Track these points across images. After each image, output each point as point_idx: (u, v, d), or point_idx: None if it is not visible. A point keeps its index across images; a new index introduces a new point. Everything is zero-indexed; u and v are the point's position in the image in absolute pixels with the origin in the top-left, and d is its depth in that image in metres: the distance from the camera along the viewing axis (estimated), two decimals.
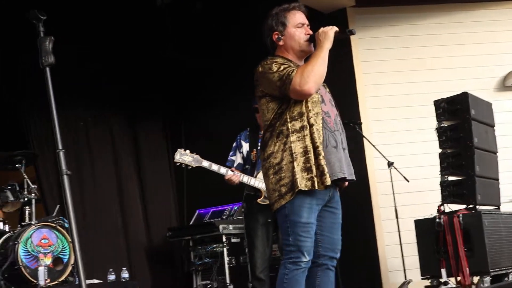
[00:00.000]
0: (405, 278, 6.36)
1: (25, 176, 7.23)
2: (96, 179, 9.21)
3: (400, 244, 6.89)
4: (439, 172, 6.73)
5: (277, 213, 3.56)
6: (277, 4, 3.87)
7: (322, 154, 3.45)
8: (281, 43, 3.75)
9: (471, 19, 8.79)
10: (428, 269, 6.67)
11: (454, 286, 6.32)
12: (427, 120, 7.12)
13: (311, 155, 3.45)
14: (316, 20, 8.50)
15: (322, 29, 3.61)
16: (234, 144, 5.39)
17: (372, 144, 7.23)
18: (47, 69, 3.09)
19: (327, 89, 3.92)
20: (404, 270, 6.81)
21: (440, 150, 6.76)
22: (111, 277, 7.22)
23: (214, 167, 4.85)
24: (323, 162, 3.43)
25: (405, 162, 7.17)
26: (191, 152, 4.64)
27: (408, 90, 8.39)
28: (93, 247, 8.57)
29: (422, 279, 6.69)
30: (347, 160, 3.71)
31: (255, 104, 5.39)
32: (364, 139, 7.96)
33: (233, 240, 8.23)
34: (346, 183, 3.85)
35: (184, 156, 4.65)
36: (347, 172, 3.66)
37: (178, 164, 4.71)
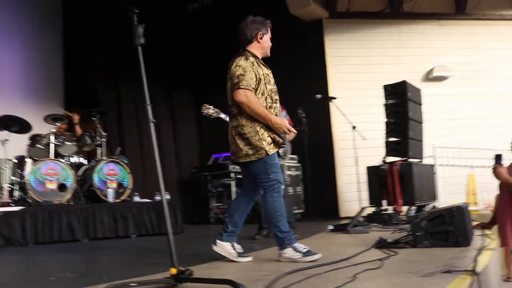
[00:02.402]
0: (359, 206, 6.52)
1: (98, 126, 7.29)
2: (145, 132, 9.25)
3: (358, 183, 7.06)
4: (384, 135, 6.91)
5: (251, 163, 3.56)
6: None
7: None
8: (261, 41, 3.70)
9: (410, 31, 8.91)
10: (374, 200, 6.88)
11: (392, 212, 6.53)
12: (377, 99, 7.23)
13: (267, 128, 3.55)
14: (300, 25, 8.67)
15: (283, 124, 3.55)
16: None
17: (342, 112, 7.27)
18: (139, 48, 3.04)
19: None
20: (360, 200, 6.97)
21: (385, 120, 6.93)
22: (157, 197, 7.32)
23: (228, 118, 4.93)
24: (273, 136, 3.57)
25: (359, 128, 7.27)
26: (214, 106, 4.70)
27: (365, 78, 8.50)
28: (144, 177, 8.71)
29: (370, 206, 6.90)
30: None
31: None
32: (331, 110, 8.12)
33: (238, 176, 8.39)
34: None
35: (208, 109, 4.70)
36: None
37: (204, 114, 4.71)
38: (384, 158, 6.85)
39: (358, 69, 8.60)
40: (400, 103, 6.84)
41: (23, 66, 8.86)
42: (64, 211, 6.01)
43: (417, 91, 7.26)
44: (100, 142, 7.26)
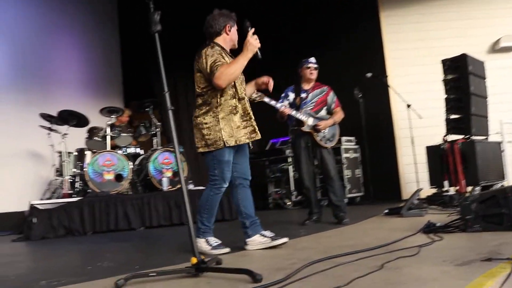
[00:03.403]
0: (418, 187, 6.24)
1: (152, 117, 7.41)
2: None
3: (415, 164, 6.76)
4: (444, 112, 6.53)
5: (206, 154, 3.57)
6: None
7: (235, 121, 3.54)
8: (229, 33, 3.69)
9: (471, 1, 8.34)
10: (435, 181, 6.58)
11: (454, 193, 6.20)
12: (435, 75, 6.86)
13: (230, 121, 3.52)
14: (353, 3, 8.36)
15: (251, 41, 3.48)
16: (283, 94, 5.35)
17: (395, 90, 7.05)
18: (156, 35, 3.03)
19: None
20: (417, 182, 6.69)
21: (445, 96, 6.54)
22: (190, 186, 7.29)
23: (272, 102, 4.81)
24: (241, 127, 3.55)
25: (419, 105, 6.97)
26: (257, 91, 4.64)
27: (422, 53, 8.10)
28: (199, 165, 8.78)
29: (431, 188, 6.60)
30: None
31: (307, 64, 5.35)
32: (389, 88, 7.79)
33: None
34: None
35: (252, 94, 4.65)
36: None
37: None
38: (445, 136, 6.49)
39: (417, 44, 8.19)
40: (461, 77, 6.44)
41: (81, 62, 9.18)
42: (120, 200, 6.17)
43: (480, 64, 6.80)
44: (155, 132, 7.38)
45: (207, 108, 3.56)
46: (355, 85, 7.86)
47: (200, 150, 3.59)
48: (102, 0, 9.70)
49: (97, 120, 7.40)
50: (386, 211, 5.55)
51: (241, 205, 3.66)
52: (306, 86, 5.35)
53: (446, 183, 6.40)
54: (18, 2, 8.46)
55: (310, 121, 5.13)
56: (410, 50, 8.20)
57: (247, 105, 3.66)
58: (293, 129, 5.35)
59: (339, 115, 5.34)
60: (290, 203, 8.32)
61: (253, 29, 3.54)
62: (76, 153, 7.16)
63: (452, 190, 6.32)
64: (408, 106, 6.80)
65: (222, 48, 3.64)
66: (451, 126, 6.51)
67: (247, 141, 3.57)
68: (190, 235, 2.72)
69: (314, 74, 5.32)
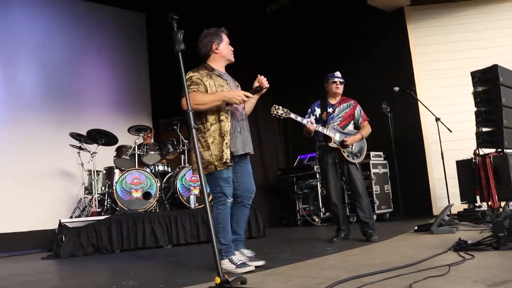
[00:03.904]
0: (449, 203, 6.11)
1: (180, 134, 7.47)
2: None
3: (445, 178, 6.63)
4: (475, 125, 6.39)
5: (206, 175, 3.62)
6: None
7: (226, 141, 3.56)
8: (217, 51, 3.73)
9: (501, 9, 8.16)
10: (466, 196, 6.41)
11: (486, 209, 6.04)
12: (465, 87, 6.73)
13: (219, 144, 3.56)
14: (380, 16, 8.32)
15: (235, 96, 3.55)
16: (309, 110, 5.31)
17: (423, 104, 6.95)
18: (179, 54, 3.08)
19: (239, 87, 3.94)
20: (448, 197, 6.55)
21: (475, 109, 6.40)
22: None
23: (298, 118, 4.79)
24: (225, 147, 3.54)
25: (449, 119, 6.85)
26: (283, 107, 4.61)
27: (450, 65, 7.97)
28: None
29: (462, 203, 6.44)
30: (248, 139, 3.81)
31: (333, 78, 5.31)
32: (418, 101, 7.69)
33: None
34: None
35: (277, 110, 4.62)
36: (248, 148, 3.76)
37: (274, 115, 4.67)
38: (476, 150, 6.34)
39: (445, 56, 8.06)
40: (491, 89, 6.29)
41: (111, 81, 9.36)
42: (148, 218, 6.21)
43: (511, 75, 6.64)
44: (182, 150, 7.43)
45: (198, 133, 3.62)
46: (383, 99, 7.79)
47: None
48: (131, 20, 9.89)
49: (126, 138, 7.49)
50: (416, 227, 5.43)
51: (233, 221, 3.77)
52: (333, 101, 5.31)
53: (477, 198, 6.24)
54: (50, 23, 8.70)
55: (337, 137, 5.08)
56: (438, 62, 8.08)
57: (226, 125, 3.62)
58: (320, 145, 5.30)
59: (367, 130, 5.28)
60: (318, 219, 8.24)
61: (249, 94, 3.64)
62: (104, 172, 7.26)
63: (484, 206, 6.16)
64: (437, 119, 6.68)
65: (212, 69, 3.71)
66: (482, 140, 6.35)
67: (231, 164, 3.60)
68: (214, 254, 2.71)
69: (340, 89, 5.28)
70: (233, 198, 3.72)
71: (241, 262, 3.55)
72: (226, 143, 3.57)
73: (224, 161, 3.54)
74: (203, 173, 3.36)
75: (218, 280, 2.62)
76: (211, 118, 3.61)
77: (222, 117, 3.61)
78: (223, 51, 3.77)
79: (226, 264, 3.52)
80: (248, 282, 2.96)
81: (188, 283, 3.13)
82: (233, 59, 3.84)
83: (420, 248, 4.09)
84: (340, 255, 4.06)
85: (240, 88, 3.93)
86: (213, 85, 3.63)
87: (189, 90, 3.49)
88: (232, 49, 3.84)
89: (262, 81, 3.80)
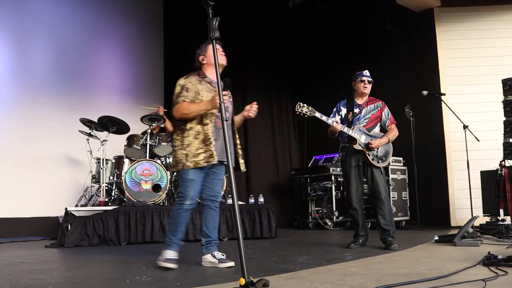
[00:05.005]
0: (471, 215, 6.03)
1: None
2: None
3: (470, 188, 6.54)
4: (503, 135, 6.30)
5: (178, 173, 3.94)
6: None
7: (206, 144, 3.75)
8: (204, 62, 4.01)
9: None
10: (489, 209, 6.34)
11: (510, 223, 5.95)
12: (494, 95, 6.65)
13: (196, 146, 3.75)
14: (408, 16, 8.23)
15: (216, 99, 3.55)
16: (334, 109, 5.23)
17: (452, 110, 6.87)
18: (214, 41, 3.08)
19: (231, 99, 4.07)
20: (471, 208, 6.47)
21: (504, 118, 6.31)
22: (251, 200, 7.32)
23: (324, 117, 4.74)
24: (202, 151, 3.74)
25: (475, 127, 6.76)
26: (308, 105, 4.56)
27: (480, 71, 7.89)
28: (239, 179, 8.77)
29: (484, 216, 6.36)
30: (222, 148, 3.83)
31: (361, 77, 5.23)
32: (442, 107, 7.60)
33: (339, 179, 8.17)
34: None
35: (302, 108, 4.58)
36: (224, 157, 3.83)
37: (298, 113, 4.64)
38: (502, 161, 6.25)
39: (475, 62, 7.97)
40: None
41: (124, 68, 9.32)
42: (157, 211, 6.15)
43: None
44: None
45: (178, 131, 3.89)
46: (404, 102, 7.68)
47: (174, 169, 3.92)
48: (147, 6, 9.83)
49: (139, 127, 7.44)
50: (436, 238, 5.36)
51: (204, 225, 4.03)
52: (360, 101, 5.22)
53: (501, 211, 6.16)
54: (62, 7, 8.65)
55: (362, 139, 5.00)
56: (467, 68, 8.00)
57: (210, 130, 3.81)
58: (343, 146, 5.21)
59: (394, 133, 5.21)
60: (331, 223, 8.17)
61: (227, 92, 3.72)
62: (114, 161, 7.21)
63: (508, 220, 6.08)
64: (465, 127, 6.60)
65: (204, 76, 3.97)
66: (510, 151, 6.27)
67: (205, 165, 3.75)
68: (240, 255, 2.65)
69: (368, 88, 5.19)
70: (201, 200, 4.03)
71: (168, 258, 3.78)
72: (205, 146, 3.76)
73: (195, 163, 3.73)
74: (174, 169, 3.93)
75: (242, 281, 2.57)
76: (194, 121, 3.82)
77: (205, 121, 3.82)
78: (209, 58, 3.98)
79: (163, 255, 3.82)
80: (270, 285, 2.90)
81: (205, 283, 3.07)
82: (224, 63, 3.99)
83: (445, 260, 4.01)
84: (362, 262, 3.99)
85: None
86: (202, 90, 3.87)
87: (178, 100, 3.79)
88: (223, 54, 4.01)
89: (251, 109, 3.97)
